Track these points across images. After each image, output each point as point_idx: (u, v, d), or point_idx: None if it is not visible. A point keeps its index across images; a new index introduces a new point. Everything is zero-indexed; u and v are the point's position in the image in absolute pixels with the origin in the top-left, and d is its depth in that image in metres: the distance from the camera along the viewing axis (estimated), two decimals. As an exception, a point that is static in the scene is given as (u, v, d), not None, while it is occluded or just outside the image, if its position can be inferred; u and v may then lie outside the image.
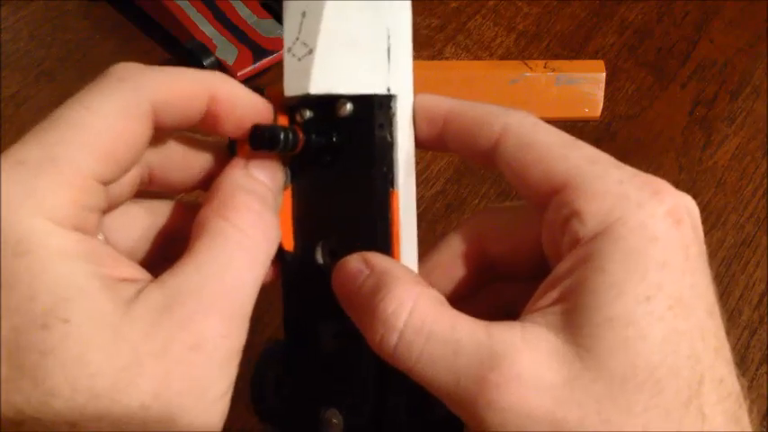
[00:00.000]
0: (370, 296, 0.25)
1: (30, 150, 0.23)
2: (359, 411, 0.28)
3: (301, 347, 0.29)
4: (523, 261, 0.29)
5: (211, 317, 0.23)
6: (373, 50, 0.28)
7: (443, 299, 0.25)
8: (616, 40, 0.69)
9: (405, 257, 0.27)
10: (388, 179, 0.27)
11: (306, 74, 0.28)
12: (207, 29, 0.61)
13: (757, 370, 0.49)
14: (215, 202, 0.26)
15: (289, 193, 0.29)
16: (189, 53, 0.60)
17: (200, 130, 0.28)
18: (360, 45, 0.28)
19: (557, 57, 0.67)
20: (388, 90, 0.28)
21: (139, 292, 0.23)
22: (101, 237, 0.26)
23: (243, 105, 0.27)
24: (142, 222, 0.28)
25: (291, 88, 0.28)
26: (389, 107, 0.27)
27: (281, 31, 0.63)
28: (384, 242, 0.27)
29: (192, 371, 0.22)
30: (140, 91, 0.25)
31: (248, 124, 0.27)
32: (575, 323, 0.23)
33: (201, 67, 0.59)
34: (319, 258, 0.28)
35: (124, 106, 0.24)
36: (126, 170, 0.25)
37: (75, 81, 0.61)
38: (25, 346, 0.21)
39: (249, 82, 0.61)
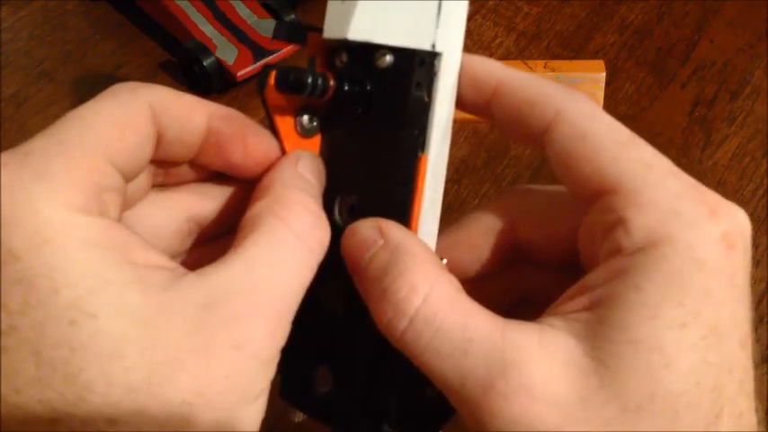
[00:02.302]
0: (382, 273, 0.24)
1: (34, 142, 0.22)
2: (349, 378, 0.27)
3: (306, 300, 0.27)
4: (554, 249, 0.27)
5: (257, 318, 0.22)
6: (422, 3, 0.26)
7: (459, 286, 0.24)
8: (616, 40, 0.69)
9: (424, 229, 0.26)
10: (418, 142, 0.26)
11: (347, 17, 0.26)
12: (207, 29, 0.61)
13: (756, 369, 0.49)
14: (269, 198, 0.25)
15: (317, 140, 0.28)
16: (189, 53, 0.60)
17: (205, 163, 0.27)
18: None
19: (557, 57, 0.67)
20: (433, 47, 0.25)
21: (172, 281, 0.22)
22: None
23: (246, 135, 0.26)
24: (161, 212, 0.27)
25: (330, 30, 0.27)
26: (432, 65, 0.25)
27: (281, 30, 0.64)
28: (403, 210, 0.26)
29: (235, 370, 0.22)
30: (137, 93, 0.24)
31: (256, 158, 0.26)
32: (599, 336, 0.21)
33: (202, 67, 0.59)
34: (336, 214, 0.27)
35: (123, 104, 0.24)
36: (137, 166, 0.24)
37: (75, 81, 0.61)
38: (53, 342, 0.20)
39: (249, 82, 0.61)
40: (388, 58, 0.26)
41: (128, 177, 0.24)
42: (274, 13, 0.64)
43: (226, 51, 0.60)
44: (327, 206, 0.27)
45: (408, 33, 0.25)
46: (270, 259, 0.23)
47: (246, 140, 0.26)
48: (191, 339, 0.21)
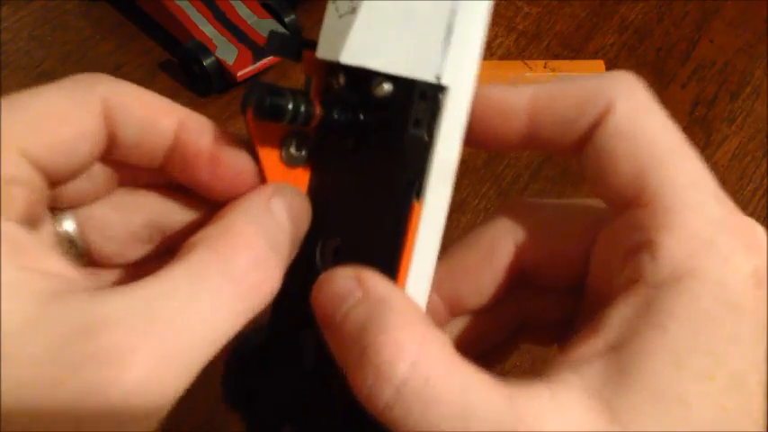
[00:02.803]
0: (360, 329, 0.20)
1: None
2: None
3: (280, 351, 0.25)
4: (560, 272, 0.25)
5: (138, 359, 0.18)
6: (429, 24, 0.22)
7: (450, 343, 0.21)
8: (616, 40, 0.69)
9: (413, 284, 0.23)
10: (412, 187, 0.22)
11: (342, 36, 0.23)
12: (207, 29, 0.61)
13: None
14: (216, 227, 0.22)
15: (306, 172, 0.25)
16: (189, 53, 0.60)
17: (172, 177, 0.24)
18: (415, 14, 0.22)
19: (557, 57, 0.67)
20: (438, 79, 0.22)
21: (58, 296, 0.19)
22: (67, 226, 0.24)
23: (219, 153, 0.23)
24: (116, 214, 0.24)
25: (324, 50, 0.23)
26: (435, 100, 0.22)
27: (281, 31, 0.63)
28: (390, 261, 0.23)
29: (88, 414, 0.18)
30: (93, 85, 0.22)
31: (225, 181, 0.23)
32: (618, 388, 0.19)
33: (202, 67, 0.59)
34: (318, 257, 0.24)
35: (71, 95, 0.22)
36: (70, 163, 0.22)
37: (75, 81, 0.61)
38: None
39: (249, 82, 0.61)
40: (386, 87, 0.23)
41: (56, 173, 0.22)
42: (274, 13, 0.64)
43: (226, 51, 0.60)
44: (308, 246, 0.24)
45: (409, 60, 0.22)
46: (181, 296, 0.19)
47: (218, 160, 0.23)
48: (45, 368, 0.18)
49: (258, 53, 0.61)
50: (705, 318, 0.20)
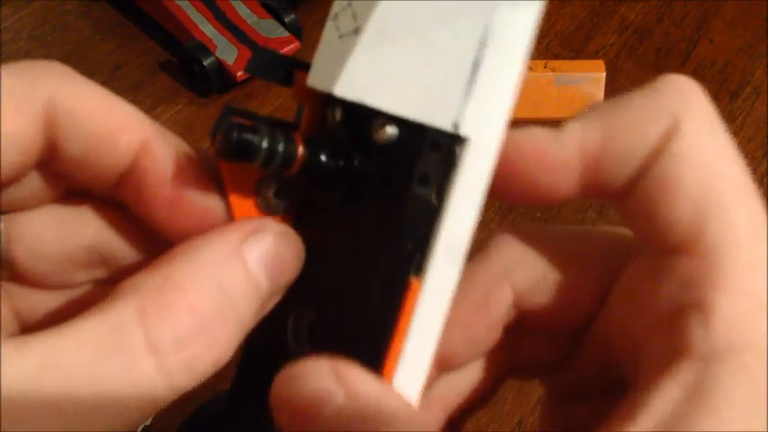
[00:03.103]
0: None
1: None
2: None
3: (239, 429, 0.21)
4: (563, 317, 0.21)
5: None
6: (451, 56, 0.18)
7: None
8: (616, 40, 0.69)
9: (404, 377, 0.19)
10: (411, 261, 0.18)
11: (339, 62, 0.18)
12: (207, 29, 0.61)
13: None
14: (156, 272, 0.17)
15: (285, 222, 0.20)
16: (189, 53, 0.60)
17: (122, 201, 0.20)
18: (434, 42, 0.18)
19: (557, 57, 0.67)
20: (455, 127, 0.18)
21: None
22: None
23: (184, 188, 0.19)
24: (51, 230, 0.20)
25: (317, 77, 0.19)
26: (450, 154, 0.18)
27: (282, 31, 0.64)
28: (376, 348, 0.18)
29: None
30: (39, 84, 0.18)
31: (184, 226, 0.19)
32: None
33: (202, 67, 0.59)
34: (290, 332, 0.20)
35: (8, 89, 0.18)
36: (5, 171, 0.19)
37: (75, 81, 0.61)
38: None
39: (249, 82, 0.61)
40: (390, 131, 0.18)
41: None
42: (274, 13, 0.64)
43: (226, 51, 0.60)
44: (278, 319, 0.20)
45: (422, 100, 0.18)
46: (84, 361, 0.16)
47: (181, 197, 0.19)
48: None
49: (258, 53, 0.61)
50: (763, 397, 0.17)
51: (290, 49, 0.62)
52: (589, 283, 0.21)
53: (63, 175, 0.20)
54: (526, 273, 0.21)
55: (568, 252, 0.21)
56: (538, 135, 0.19)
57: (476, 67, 0.18)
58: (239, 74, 0.60)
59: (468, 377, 0.22)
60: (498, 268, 0.21)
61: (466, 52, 0.18)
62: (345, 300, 0.19)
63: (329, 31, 0.19)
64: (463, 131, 0.18)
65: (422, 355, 0.19)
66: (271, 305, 0.19)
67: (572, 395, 0.23)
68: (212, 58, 0.59)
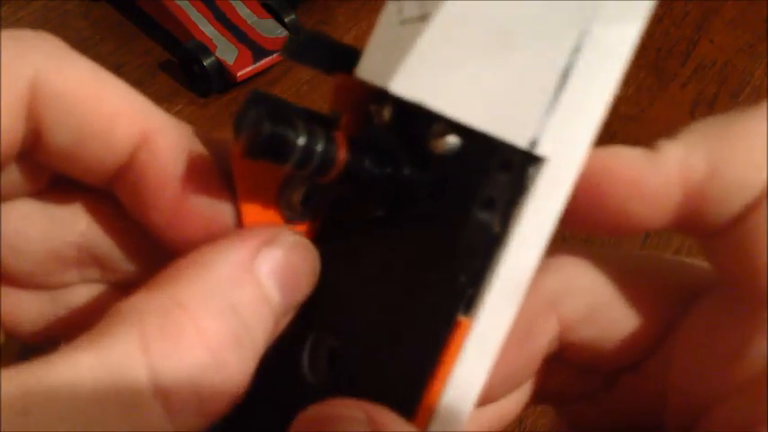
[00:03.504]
0: None
1: None
2: None
3: None
4: (611, 355, 0.19)
5: None
6: (536, 62, 0.15)
7: None
8: (616, 40, 0.69)
9: (441, 424, 0.16)
10: (461, 296, 0.15)
11: (399, 54, 0.15)
12: (207, 29, 0.61)
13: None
14: (160, 293, 0.15)
15: (305, 231, 0.18)
16: (189, 53, 0.60)
17: (119, 199, 0.18)
18: (515, 43, 0.15)
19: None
20: (532, 145, 0.15)
21: None
22: None
23: (191, 190, 0.17)
24: (33, 224, 0.18)
25: (368, 68, 0.16)
26: (521, 176, 0.15)
27: (282, 31, 0.64)
28: (411, 393, 0.16)
29: None
30: (22, 61, 0.16)
31: (194, 229, 0.17)
32: None
33: (202, 67, 0.59)
34: (305, 358, 0.17)
35: None
36: None
37: (76, 81, 0.61)
38: None
39: (249, 82, 0.61)
40: (451, 141, 0.16)
41: None
42: (274, 13, 0.64)
43: (226, 51, 0.60)
44: (292, 343, 0.17)
45: (494, 109, 0.15)
46: (74, 409, 0.13)
47: (185, 201, 0.17)
48: None
49: (258, 53, 0.61)
50: None
51: (290, 49, 0.62)
52: (647, 321, 0.18)
53: (47, 166, 0.17)
54: (576, 304, 0.18)
55: (626, 282, 0.18)
56: (631, 157, 0.16)
57: (565, 75, 0.15)
58: (239, 74, 0.60)
59: (494, 407, 0.20)
60: (546, 297, 0.18)
61: (555, 57, 0.15)
62: (377, 330, 0.16)
63: (389, 14, 0.16)
64: (541, 150, 0.15)
65: (462, 403, 0.16)
66: (284, 324, 0.16)
67: (589, 427, 0.21)
68: (212, 58, 0.59)
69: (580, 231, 0.17)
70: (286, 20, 0.63)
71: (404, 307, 0.16)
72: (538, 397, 0.20)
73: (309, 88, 0.62)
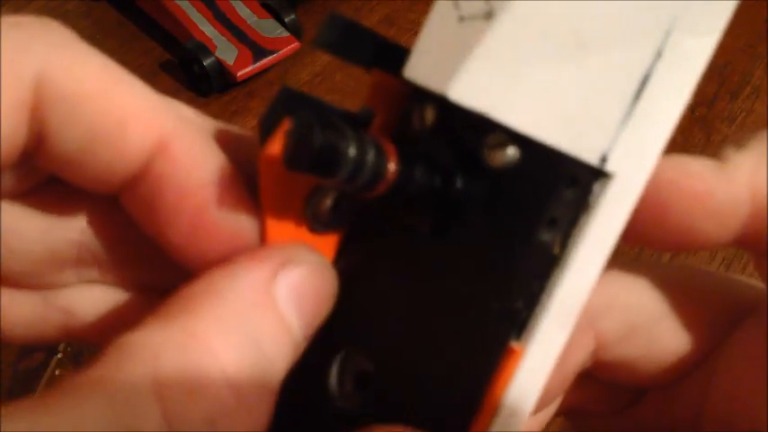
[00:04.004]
0: None
1: None
2: None
3: None
4: (643, 373, 0.18)
5: None
6: (614, 69, 0.14)
7: None
8: (616, 40, 0.69)
9: None
10: (514, 322, 0.14)
11: (458, 55, 0.14)
12: (207, 29, 0.61)
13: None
14: (171, 322, 0.13)
15: (332, 241, 0.16)
16: (189, 53, 0.60)
17: (128, 211, 0.16)
18: (592, 48, 0.14)
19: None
20: (603, 160, 0.14)
21: None
22: None
23: (215, 204, 0.15)
24: (26, 220, 0.16)
25: (419, 69, 0.14)
26: (587, 192, 0.14)
27: (282, 31, 0.64)
28: (458, 422, 0.15)
29: None
30: (27, 55, 0.14)
31: (215, 247, 0.15)
32: None
33: (202, 67, 0.59)
34: (333, 376, 0.16)
35: None
36: None
37: (76, 81, 0.61)
38: None
39: (249, 82, 0.61)
40: (510, 153, 0.14)
41: None
42: (274, 13, 0.64)
43: (226, 51, 0.60)
44: (316, 362, 0.16)
45: (564, 121, 0.14)
46: None
47: (206, 215, 0.15)
48: None
49: (258, 53, 0.61)
50: None
51: (289, 49, 0.62)
52: (689, 343, 0.17)
53: (48, 171, 0.16)
54: (615, 322, 0.17)
55: (670, 301, 0.17)
56: (698, 170, 0.15)
57: (644, 82, 0.14)
58: (239, 74, 0.60)
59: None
60: (584, 313, 0.16)
61: (636, 61, 0.14)
62: (417, 352, 0.15)
63: (442, 9, 0.14)
64: (611, 166, 0.14)
65: (510, 423, 0.15)
66: (301, 350, 0.15)
67: None
68: (212, 58, 0.59)
69: (634, 245, 0.16)
70: (286, 20, 0.63)
71: (448, 329, 0.15)
72: (559, 410, 0.19)
73: (309, 88, 0.62)
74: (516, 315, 0.14)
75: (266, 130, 0.14)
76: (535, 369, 0.15)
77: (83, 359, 0.46)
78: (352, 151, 0.13)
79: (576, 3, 0.14)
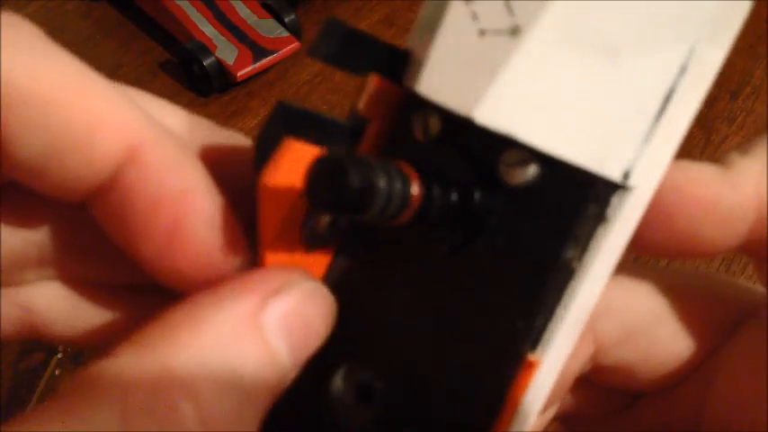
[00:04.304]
0: None
1: None
2: None
3: None
4: (641, 376, 0.18)
5: None
6: (640, 84, 0.14)
7: None
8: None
9: None
10: (530, 332, 0.14)
11: (483, 75, 0.13)
12: (207, 29, 0.61)
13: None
14: (142, 360, 0.12)
15: (324, 256, 0.16)
16: (189, 53, 0.60)
17: (98, 222, 0.15)
18: (620, 63, 0.13)
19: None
20: (626, 176, 0.14)
21: None
22: None
23: (187, 220, 0.14)
24: (13, 226, 0.15)
25: (436, 86, 0.14)
26: (605, 207, 0.14)
27: (282, 31, 0.64)
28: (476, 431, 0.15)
29: None
30: None
31: (191, 265, 0.14)
32: None
33: (202, 67, 0.59)
34: (337, 384, 0.15)
35: None
36: None
37: (75, 81, 0.61)
38: None
39: (249, 82, 0.61)
40: (532, 172, 0.14)
41: None
42: (274, 13, 0.64)
43: (226, 51, 0.60)
44: (318, 374, 0.15)
45: (588, 138, 0.13)
46: None
47: (181, 235, 0.14)
48: None
49: (258, 53, 0.61)
50: None
51: (289, 49, 0.62)
52: (688, 346, 0.17)
53: (7, 176, 0.15)
54: (614, 325, 0.17)
55: (670, 305, 0.17)
56: (703, 176, 0.15)
57: (668, 99, 0.14)
58: (239, 74, 0.60)
59: None
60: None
61: (661, 78, 0.14)
62: (428, 366, 0.15)
63: (457, 20, 0.13)
64: (633, 181, 0.14)
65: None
66: (292, 378, 0.14)
67: None
68: (212, 58, 0.59)
69: (639, 254, 0.16)
70: (286, 20, 0.63)
71: (463, 342, 0.15)
72: (555, 415, 0.19)
73: (309, 88, 0.62)
74: (530, 327, 0.14)
75: (264, 152, 0.14)
76: (546, 377, 0.15)
77: (83, 359, 0.46)
78: (383, 185, 0.12)
79: (602, 20, 0.13)
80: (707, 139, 0.61)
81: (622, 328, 0.17)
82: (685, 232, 0.15)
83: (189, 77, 0.61)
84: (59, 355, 0.42)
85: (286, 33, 0.62)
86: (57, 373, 0.42)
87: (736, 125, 0.63)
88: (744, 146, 0.16)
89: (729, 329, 0.17)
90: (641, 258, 0.45)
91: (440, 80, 0.14)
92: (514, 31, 0.13)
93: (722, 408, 0.17)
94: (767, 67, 0.67)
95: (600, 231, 0.14)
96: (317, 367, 0.15)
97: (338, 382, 0.15)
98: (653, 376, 0.18)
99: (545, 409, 0.17)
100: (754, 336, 0.16)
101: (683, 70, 0.14)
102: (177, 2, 0.62)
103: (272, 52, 0.61)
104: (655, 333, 0.17)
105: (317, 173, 0.12)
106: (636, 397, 0.19)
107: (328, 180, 0.12)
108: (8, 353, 0.46)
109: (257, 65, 0.60)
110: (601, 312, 0.17)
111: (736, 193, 0.15)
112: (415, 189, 0.13)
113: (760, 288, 0.17)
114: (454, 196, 0.14)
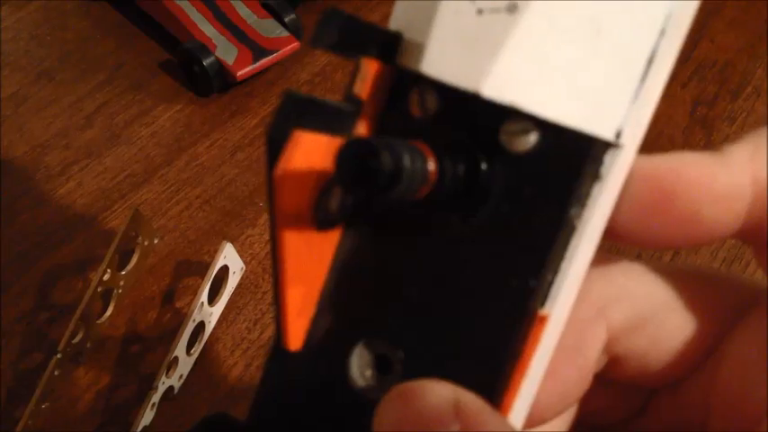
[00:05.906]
0: None
1: None
2: None
3: None
4: (654, 366, 0.18)
5: None
6: (625, 50, 0.15)
7: None
8: (616, 39, 0.69)
9: (515, 414, 0.16)
10: (539, 289, 0.15)
11: (484, 51, 0.14)
12: (207, 29, 0.61)
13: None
14: None
15: (334, 234, 0.16)
16: (189, 53, 0.60)
17: None
18: (605, 32, 0.14)
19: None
20: (618, 135, 0.15)
21: None
22: None
23: None
24: None
25: (440, 65, 0.15)
26: (600, 165, 0.15)
27: (281, 31, 0.64)
28: (491, 387, 0.15)
29: None
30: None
31: None
32: None
33: (202, 67, 0.59)
34: (354, 369, 0.16)
35: None
36: None
37: (75, 81, 0.61)
38: None
39: (249, 82, 0.61)
40: (532, 139, 0.15)
41: None
42: (274, 13, 0.63)
43: (226, 51, 0.60)
44: (332, 353, 0.16)
45: (584, 103, 0.15)
46: None
47: None
48: None
49: (258, 53, 0.61)
50: None
51: (289, 49, 0.61)
52: (698, 332, 0.18)
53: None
54: (625, 310, 0.17)
55: (678, 291, 0.18)
56: (698, 158, 0.16)
57: (650, 61, 0.15)
58: (239, 74, 0.59)
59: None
60: (595, 303, 0.17)
61: (643, 43, 0.15)
62: (444, 331, 0.15)
63: (455, 4, 0.14)
64: (624, 140, 0.15)
65: (529, 393, 0.16)
66: None
67: None
68: (212, 58, 0.59)
69: (643, 248, 0.17)
70: (286, 20, 0.63)
71: (476, 306, 0.15)
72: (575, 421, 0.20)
73: (309, 88, 0.62)
74: (539, 284, 0.15)
75: (277, 141, 0.14)
76: (553, 330, 0.16)
77: (82, 359, 0.46)
78: (409, 165, 0.13)
79: None
80: (708, 139, 0.61)
81: (633, 315, 0.18)
82: (685, 214, 0.16)
83: (189, 77, 0.61)
84: (59, 356, 0.42)
85: (286, 33, 0.62)
86: (56, 373, 0.42)
87: (737, 125, 0.63)
88: (736, 139, 0.17)
89: (733, 317, 0.17)
90: (644, 255, 0.45)
91: (443, 59, 0.15)
92: (511, 9, 0.14)
93: (727, 400, 0.17)
94: (767, 67, 0.67)
95: (596, 189, 0.15)
96: (331, 350, 0.16)
97: (356, 358, 0.16)
98: (663, 366, 0.18)
99: (566, 405, 0.18)
100: (757, 324, 0.17)
101: (662, 33, 0.15)
102: (177, 2, 0.62)
103: (272, 52, 0.61)
104: (663, 320, 0.18)
105: (349, 155, 0.13)
106: (648, 398, 0.19)
107: (361, 162, 0.13)
108: (8, 353, 0.46)
109: (257, 65, 0.60)
110: (611, 299, 0.17)
111: (729, 173, 0.16)
112: (431, 165, 0.14)
113: (762, 282, 0.17)
114: (461, 168, 0.15)
